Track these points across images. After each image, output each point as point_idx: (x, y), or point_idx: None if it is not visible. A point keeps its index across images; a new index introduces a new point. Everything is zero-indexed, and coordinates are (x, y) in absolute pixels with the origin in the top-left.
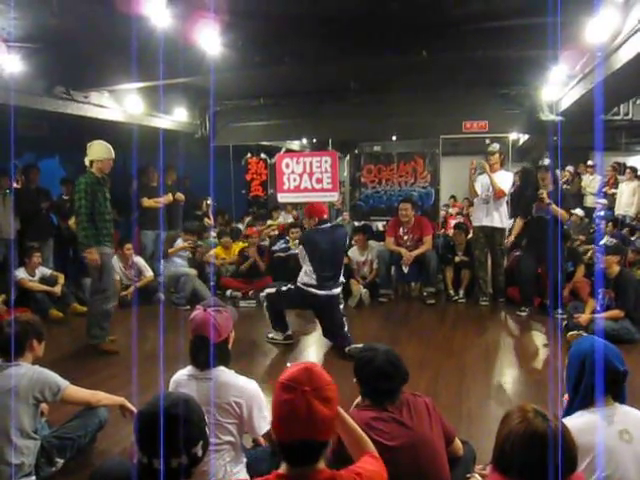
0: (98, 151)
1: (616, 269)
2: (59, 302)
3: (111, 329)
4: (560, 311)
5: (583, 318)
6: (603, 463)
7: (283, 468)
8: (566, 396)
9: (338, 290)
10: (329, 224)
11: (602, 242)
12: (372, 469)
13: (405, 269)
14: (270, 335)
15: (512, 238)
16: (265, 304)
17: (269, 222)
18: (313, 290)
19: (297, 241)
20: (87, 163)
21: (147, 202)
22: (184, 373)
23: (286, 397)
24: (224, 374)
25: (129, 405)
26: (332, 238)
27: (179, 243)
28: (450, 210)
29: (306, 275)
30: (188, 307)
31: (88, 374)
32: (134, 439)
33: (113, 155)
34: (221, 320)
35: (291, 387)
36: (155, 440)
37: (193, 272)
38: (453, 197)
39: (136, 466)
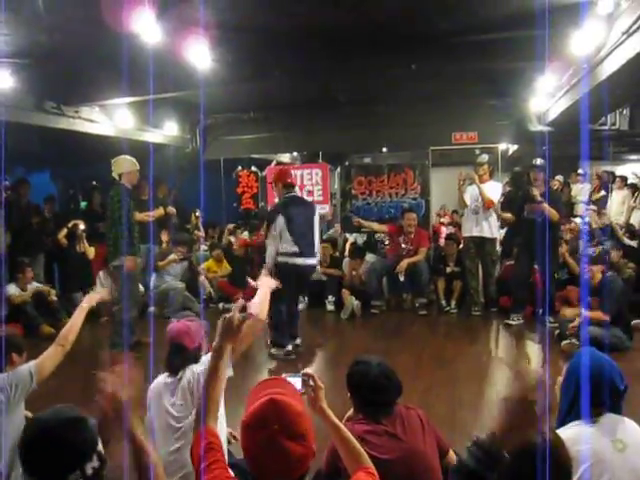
0: (124, 164)
1: (598, 276)
2: (50, 317)
3: (103, 342)
4: (550, 319)
5: (573, 325)
6: (597, 473)
7: None
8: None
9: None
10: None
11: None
12: None
13: (402, 277)
14: (272, 351)
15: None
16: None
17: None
18: (297, 260)
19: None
20: (116, 177)
21: (138, 216)
22: (161, 380)
23: (253, 438)
24: (189, 370)
25: (92, 298)
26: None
27: (172, 257)
28: (442, 219)
29: (286, 243)
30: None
31: (79, 390)
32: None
33: (138, 166)
34: (194, 328)
35: (257, 427)
36: (47, 461)
37: (181, 285)
38: (443, 207)
39: None
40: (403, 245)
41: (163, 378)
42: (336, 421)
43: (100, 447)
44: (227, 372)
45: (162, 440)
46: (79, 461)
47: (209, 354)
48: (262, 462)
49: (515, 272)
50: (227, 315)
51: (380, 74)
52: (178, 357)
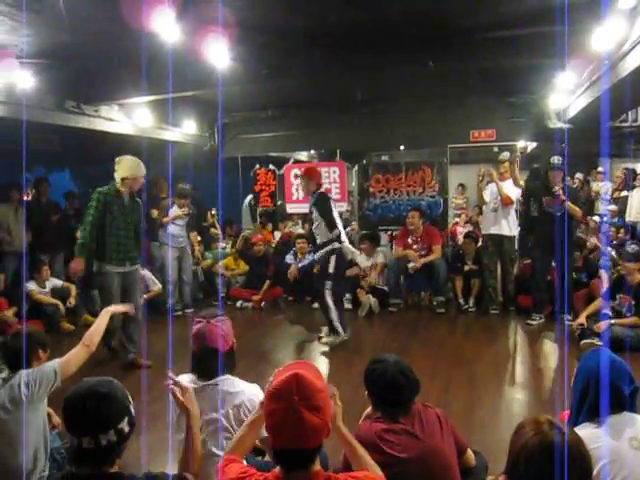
0: (127, 167)
1: (638, 276)
2: (70, 314)
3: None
4: (569, 317)
5: (599, 325)
6: (614, 471)
7: (279, 470)
8: (566, 412)
9: None
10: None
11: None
12: (371, 477)
13: (411, 269)
14: (328, 340)
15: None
16: (330, 301)
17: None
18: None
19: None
20: (118, 179)
21: (156, 214)
22: (189, 379)
23: (275, 407)
24: (229, 382)
25: (116, 308)
26: None
27: (174, 210)
28: (458, 219)
29: (336, 232)
30: (180, 312)
31: None
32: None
33: (144, 171)
34: (227, 329)
35: (280, 397)
36: (82, 419)
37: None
38: (461, 185)
39: (69, 451)
40: (415, 246)
41: (190, 379)
42: (352, 440)
43: (123, 425)
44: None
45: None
46: (93, 431)
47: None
48: (280, 428)
49: (534, 271)
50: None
51: (398, 72)
52: (209, 362)
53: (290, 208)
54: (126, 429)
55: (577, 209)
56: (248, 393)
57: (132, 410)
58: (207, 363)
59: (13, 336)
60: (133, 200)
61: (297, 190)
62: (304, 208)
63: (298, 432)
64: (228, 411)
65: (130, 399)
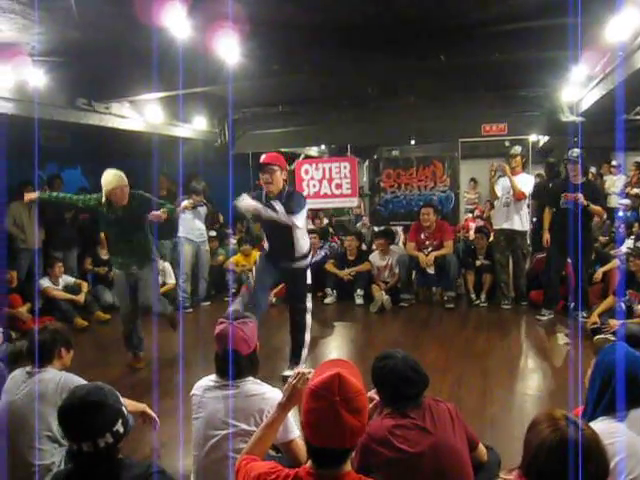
0: (105, 180)
1: None
2: (83, 310)
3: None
4: (584, 314)
5: (612, 323)
6: (630, 466)
7: (310, 465)
8: (580, 408)
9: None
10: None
11: (627, 245)
12: None
13: (431, 270)
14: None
15: (546, 233)
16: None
17: None
18: None
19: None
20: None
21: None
22: (211, 379)
23: (315, 405)
24: (251, 384)
25: (150, 412)
26: None
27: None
28: (471, 214)
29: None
30: (191, 310)
31: (111, 382)
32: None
33: (124, 182)
34: (249, 332)
35: (321, 395)
36: (79, 427)
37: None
38: (473, 180)
39: (71, 455)
40: (427, 242)
41: (214, 379)
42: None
43: (117, 427)
44: (295, 432)
45: (199, 449)
46: (92, 436)
47: (275, 391)
48: (319, 427)
49: (547, 266)
50: (292, 382)
51: (408, 66)
52: (233, 365)
53: None
54: (121, 430)
55: (598, 208)
56: (271, 399)
57: (124, 410)
58: (229, 365)
59: (40, 331)
60: (127, 208)
61: (308, 186)
62: (315, 204)
63: (336, 432)
64: (249, 416)
65: (121, 401)
